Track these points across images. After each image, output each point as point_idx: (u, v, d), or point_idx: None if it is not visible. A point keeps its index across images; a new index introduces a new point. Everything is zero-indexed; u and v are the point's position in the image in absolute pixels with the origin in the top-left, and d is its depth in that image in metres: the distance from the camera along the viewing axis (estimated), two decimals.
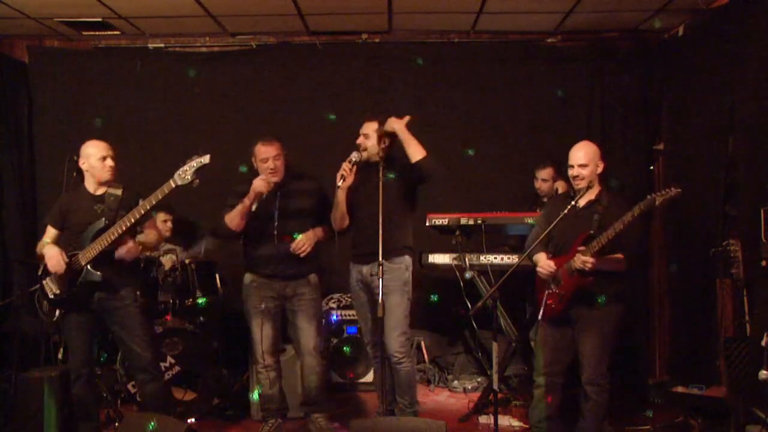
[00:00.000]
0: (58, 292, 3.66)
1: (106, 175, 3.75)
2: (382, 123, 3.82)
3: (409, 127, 3.75)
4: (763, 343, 3.33)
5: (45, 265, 3.70)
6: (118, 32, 5.55)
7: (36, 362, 4.39)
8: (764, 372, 3.24)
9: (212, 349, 4.63)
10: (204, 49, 5.76)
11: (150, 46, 5.70)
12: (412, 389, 3.87)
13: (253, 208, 3.86)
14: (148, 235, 3.89)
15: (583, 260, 3.42)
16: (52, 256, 3.60)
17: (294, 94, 5.63)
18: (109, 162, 3.75)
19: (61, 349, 4.51)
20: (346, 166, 3.68)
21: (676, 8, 4.89)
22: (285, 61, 5.68)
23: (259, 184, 3.84)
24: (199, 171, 3.51)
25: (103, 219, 3.63)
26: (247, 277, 4.03)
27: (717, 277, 4.40)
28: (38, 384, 3.68)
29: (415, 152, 3.67)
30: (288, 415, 4.16)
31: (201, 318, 4.78)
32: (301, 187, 4.01)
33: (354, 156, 3.73)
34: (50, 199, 5.38)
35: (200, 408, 4.39)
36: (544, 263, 3.61)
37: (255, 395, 4.30)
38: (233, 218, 3.87)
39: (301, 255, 3.85)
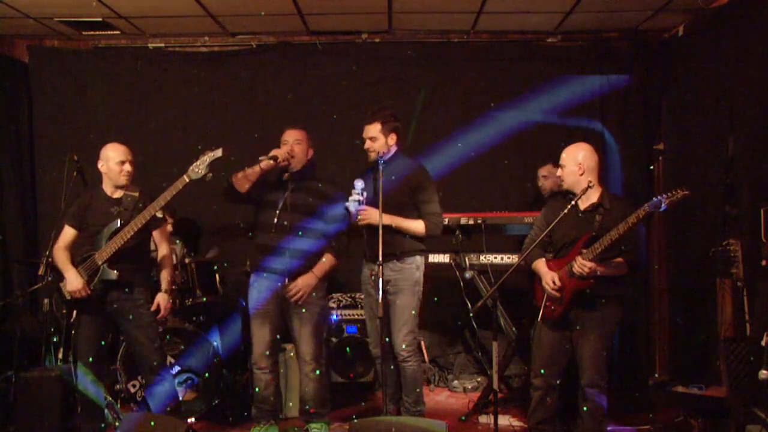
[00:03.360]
0: None
1: (122, 179, 3.78)
2: (383, 121, 3.82)
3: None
4: (763, 343, 3.32)
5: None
6: (118, 32, 5.55)
7: (36, 362, 4.39)
8: (764, 372, 3.23)
9: (212, 349, 4.62)
10: (204, 49, 5.77)
11: (150, 46, 5.71)
12: (417, 388, 3.89)
13: (262, 166, 3.78)
14: (164, 276, 3.88)
15: (581, 264, 3.40)
16: (75, 285, 3.62)
17: (294, 94, 5.63)
18: (127, 167, 3.78)
19: (61, 349, 4.53)
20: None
21: (676, 8, 4.89)
22: (285, 61, 5.68)
23: (275, 150, 3.82)
24: (212, 165, 3.57)
25: (119, 220, 3.66)
26: (252, 277, 4.00)
27: (717, 277, 4.40)
28: (38, 384, 3.69)
29: (418, 232, 3.77)
30: (288, 414, 4.14)
31: (201, 318, 4.78)
32: (315, 186, 3.91)
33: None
34: (50, 199, 5.44)
35: (200, 408, 4.39)
36: (549, 278, 3.55)
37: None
38: (239, 177, 3.84)
39: (298, 302, 3.80)
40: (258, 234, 3.94)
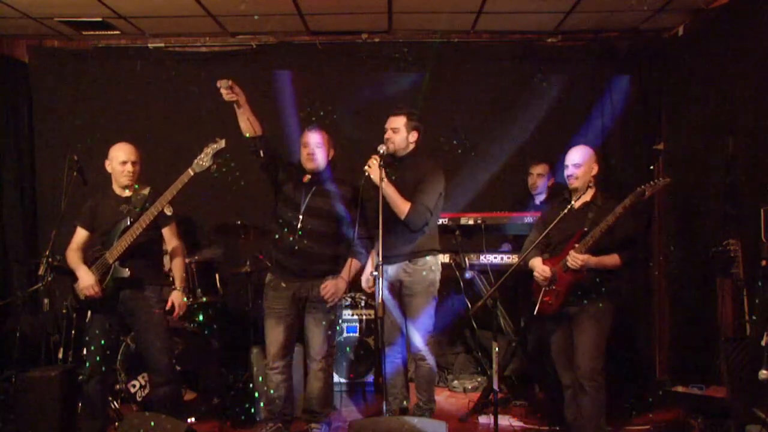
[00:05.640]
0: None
1: (124, 180, 3.79)
2: (409, 116, 3.84)
3: None
4: (763, 343, 3.32)
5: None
6: (118, 32, 5.55)
7: (36, 362, 4.39)
8: (764, 372, 3.24)
9: (212, 349, 4.62)
10: (204, 49, 5.76)
11: (150, 46, 5.70)
12: (430, 387, 3.95)
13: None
14: (177, 273, 3.87)
15: (574, 257, 3.45)
16: (87, 282, 3.63)
17: (294, 94, 5.62)
18: (129, 167, 3.78)
19: (61, 349, 4.53)
20: (374, 160, 3.58)
21: (676, 8, 4.89)
22: (285, 61, 5.68)
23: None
24: (216, 156, 3.57)
25: (128, 218, 3.67)
26: (268, 277, 3.94)
27: (717, 277, 4.40)
28: (38, 384, 3.69)
29: (400, 209, 3.71)
30: (296, 414, 4.10)
31: (201, 318, 4.78)
32: (336, 189, 3.82)
33: (381, 148, 3.64)
34: (50, 199, 5.44)
35: (200, 408, 4.39)
36: (540, 268, 3.63)
37: (256, 395, 4.30)
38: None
39: (328, 304, 3.74)
40: (278, 235, 3.88)
